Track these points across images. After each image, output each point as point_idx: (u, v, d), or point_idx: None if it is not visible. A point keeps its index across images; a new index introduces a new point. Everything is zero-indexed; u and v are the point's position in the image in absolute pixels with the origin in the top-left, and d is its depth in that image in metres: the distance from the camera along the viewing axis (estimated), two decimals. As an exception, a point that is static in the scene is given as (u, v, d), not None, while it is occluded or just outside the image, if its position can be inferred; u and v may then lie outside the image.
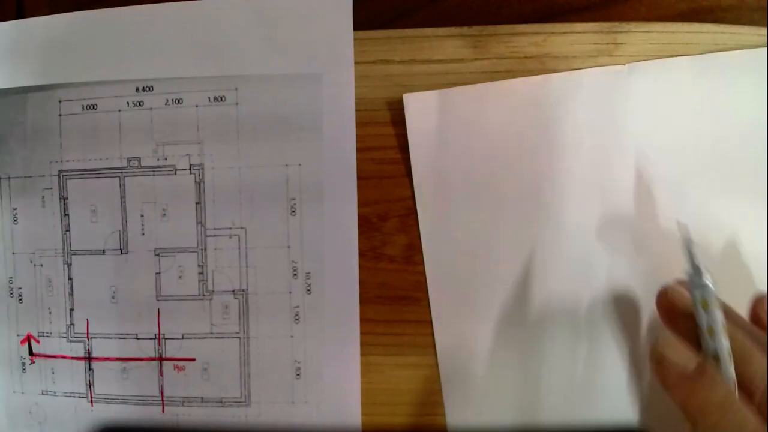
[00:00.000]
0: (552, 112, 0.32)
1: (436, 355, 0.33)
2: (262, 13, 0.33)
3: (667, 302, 0.28)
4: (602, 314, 0.33)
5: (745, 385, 0.25)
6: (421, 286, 0.34)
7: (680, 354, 0.27)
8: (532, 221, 0.33)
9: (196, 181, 0.34)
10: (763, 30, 0.32)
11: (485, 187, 0.33)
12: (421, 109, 0.33)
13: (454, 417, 0.33)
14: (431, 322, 0.34)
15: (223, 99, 0.33)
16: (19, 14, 0.38)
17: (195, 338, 0.34)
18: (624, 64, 0.32)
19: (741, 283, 0.32)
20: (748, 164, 0.32)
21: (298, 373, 0.33)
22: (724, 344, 0.25)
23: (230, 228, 0.34)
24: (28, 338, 0.36)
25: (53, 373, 0.35)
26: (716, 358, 0.25)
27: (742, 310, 0.29)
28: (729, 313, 0.27)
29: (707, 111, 0.32)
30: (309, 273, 0.33)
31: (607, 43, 0.33)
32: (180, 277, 0.34)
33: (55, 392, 0.35)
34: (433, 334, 0.33)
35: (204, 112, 0.33)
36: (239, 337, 0.34)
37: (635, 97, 0.32)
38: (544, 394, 0.33)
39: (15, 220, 0.35)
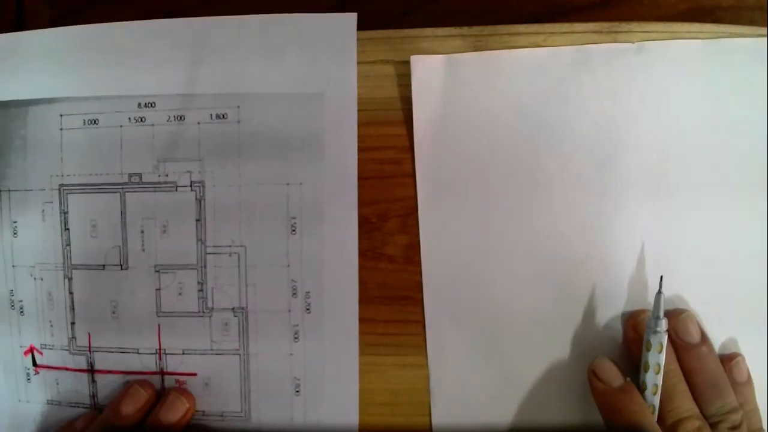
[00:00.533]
0: (558, 84, 0.32)
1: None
2: (267, 32, 0.32)
3: (633, 331, 0.32)
4: (597, 317, 0.33)
5: (661, 416, 0.30)
6: (421, 286, 0.34)
7: (610, 373, 0.31)
8: (534, 195, 0.33)
9: (196, 198, 0.34)
10: (763, 30, 0.32)
11: (488, 156, 0.33)
12: (428, 72, 0.33)
13: (441, 417, 0.34)
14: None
15: (225, 117, 0.33)
16: (19, 24, 0.37)
17: (196, 354, 0.34)
18: (633, 42, 0.32)
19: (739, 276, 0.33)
20: (751, 150, 0.32)
21: (297, 389, 0.34)
22: (657, 380, 0.30)
23: (230, 246, 0.34)
24: (31, 350, 0.36)
25: (57, 383, 0.36)
26: (647, 386, 0.30)
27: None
28: (675, 356, 0.31)
29: (713, 94, 0.32)
30: (309, 292, 0.33)
31: (607, 43, 0.33)
32: (180, 293, 0.34)
33: (60, 402, 0.36)
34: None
35: (206, 129, 0.33)
36: (239, 354, 0.34)
37: (641, 76, 0.32)
38: (536, 396, 0.33)
39: (15, 234, 0.35)
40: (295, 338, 0.34)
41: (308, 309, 0.33)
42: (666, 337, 0.30)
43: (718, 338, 0.33)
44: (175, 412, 0.33)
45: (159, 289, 0.34)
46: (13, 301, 0.36)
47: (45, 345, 0.36)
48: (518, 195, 0.33)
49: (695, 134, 0.32)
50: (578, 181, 0.32)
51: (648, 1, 0.35)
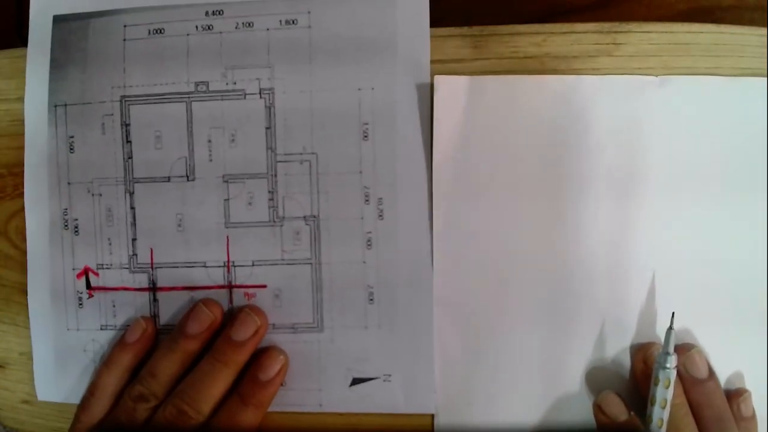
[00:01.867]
0: (580, 112, 0.33)
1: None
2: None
3: (642, 363, 0.32)
4: (606, 349, 0.33)
5: None
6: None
7: (616, 408, 0.32)
8: (549, 220, 0.33)
9: (266, 106, 0.33)
10: (763, 30, 0.33)
11: (505, 180, 0.33)
12: (451, 93, 0.33)
13: (445, 418, 0.34)
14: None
15: (294, 22, 0.33)
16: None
17: (266, 265, 0.33)
18: (656, 76, 0.33)
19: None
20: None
21: (371, 298, 0.33)
22: (664, 415, 0.30)
23: (301, 153, 0.33)
24: (86, 271, 0.34)
25: (114, 306, 0.34)
26: (653, 420, 0.30)
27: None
28: (681, 389, 0.32)
29: (734, 131, 0.33)
30: (381, 199, 0.33)
31: (607, 43, 0.33)
32: (250, 203, 0.33)
33: (115, 326, 0.34)
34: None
35: (275, 35, 0.33)
36: (311, 263, 0.33)
37: (663, 109, 0.32)
38: (539, 402, 0.33)
39: (72, 149, 0.34)
40: (368, 245, 0.33)
41: (381, 216, 0.33)
42: (675, 373, 0.30)
43: (724, 372, 0.34)
44: (246, 330, 0.32)
45: (228, 200, 0.34)
46: (67, 221, 0.34)
47: (102, 265, 0.34)
48: (534, 220, 0.33)
49: (715, 169, 0.33)
50: (595, 208, 0.33)
51: (648, 1, 0.35)
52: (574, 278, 0.33)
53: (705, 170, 0.33)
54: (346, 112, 0.33)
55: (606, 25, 0.33)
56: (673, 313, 0.31)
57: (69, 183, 0.34)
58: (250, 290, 0.34)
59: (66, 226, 0.34)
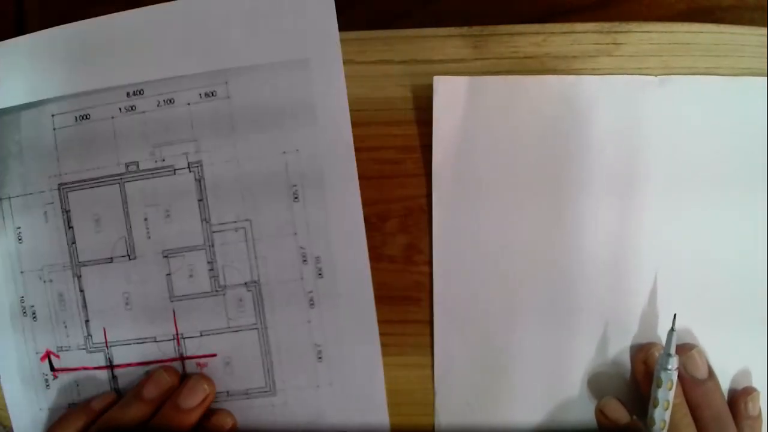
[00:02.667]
0: (579, 112, 0.32)
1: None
2: (244, 5, 0.33)
3: (642, 364, 0.32)
4: (608, 348, 0.33)
5: None
6: (421, 286, 0.34)
7: (617, 413, 0.32)
8: (549, 221, 0.33)
9: (196, 179, 0.34)
10: (763, 30, 0.32)
11: (505, 180, 0.33)
12: (450, 93, 0.33)
13: (446, 417, 0.34)
14: (431, 321, 0.34)
15: (214, 94, 0.34)
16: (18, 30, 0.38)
17: (213, 334, 0.34)
18: (656, 76, 0.32)
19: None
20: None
21: (319, 356, 0.34)
22: (666, 416, 0.30)
23: (235, 221, 0.34)
24: (48, 354, 0.36)
25: (77, 385, 0.35)
26: (656, 422, 0.30)
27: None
28: (681, 389, 0.32)
29: (734, 131, 0.32)
30: (318, 257, 0.33)
31: (607, 43, 0.33)
32: (191, 275, 0.34)
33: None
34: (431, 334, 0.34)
35: (197, 109, 0.34)
36: (257, 328, 0.34)
37: (663, 109, 0.32)
38: (540, 401, 0.33)
39: (20, 239, 0.35)
40: (311, 305, 0.34)
41: (320, 274, 0.33)
42: (676, 374, 0.30)
43: (727, 371, 0.33)
44: (194, 397, 0.33)
45: (170, 274, 0.34)
46: (24, 308, 0.36)
47: (61, 347, 0.35)
48: (534, 220, 0.33)
49: (715, 169, 0.32)
50: (596, 208, 0.33)
51: (648, 1, 0.35)
52: (575, 279, 0.33)
53: (705, 170, 0.32)
54: (274, 176, 0.33)
55: (606, 25, 0.33)
56: (675, 315, 0.31)
57: (21, 272, 0.36)
58: (201, 360, 0.34)
59: (24, 312, 0.36)
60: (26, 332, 0.36)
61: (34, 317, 0.36)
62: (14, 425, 0.37)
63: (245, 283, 0.34)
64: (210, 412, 0.34)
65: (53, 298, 0.35)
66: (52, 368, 0.36)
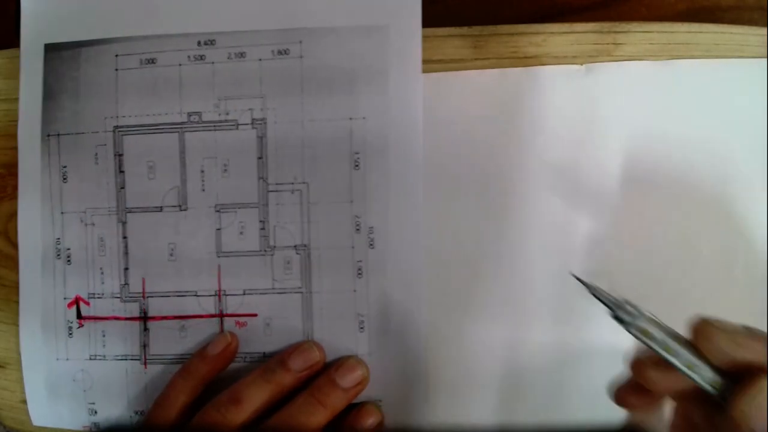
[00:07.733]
0: (506, 106, 0.33)
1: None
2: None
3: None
4: (586, 312, 0.33)
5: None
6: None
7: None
8: (500, 218, 0.33)
9: (258, 136, 0.33)
10: (763, 30, 0.33)
11: (445, 176, 0.33)
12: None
13: (439, 416, 0.34)
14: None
15: (287, 52, 0.33)
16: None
17: (257, 294, 0.33)
18: (581, 65, 0.33)
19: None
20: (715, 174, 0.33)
21: (362, 326, 0.33)
22: (683, 352, 0.23)
23: (292, 183, 0.33)
24: (77, 300, 0.34)
25: (104, 336, 0.34)
26: (690, 366, 0.23)
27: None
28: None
29: (669, 115, 0.33)
30: (372, 228, 0.33)
31: (607, 43, 0.33)
32: (241, 233, 0.34)
33: (104, 356, 0.34)
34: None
35: (267, 65, 0.33)
36: (301, 292, 0.33)
37: (590, 97, 0.33)
38: (530, 393, 0.33)
39: (65, 179, 0.34)
40: (359, 274, 0.33)
41: (371, 245, 0.33)
42: (650, 315, 0.25)
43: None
44: (352, 378, 0.32)
45: (219, 229, 0.34)
46: (59, 250, 0.34)
47: (93, 294, 0.34)
48: (484, 219, 0.33)
49: (715, 164, 0.33)
50: (539, 205, 0.33)
51: (648, 1, 0.35)
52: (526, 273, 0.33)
53: (704, 168, 0.32)
54: (337, 142, 0.33)
55: (606, 25, 0.33)
56: (575, 275, 0.26)
57: (62, 212, 0.34)
58: (241, 319, 0.34)
59: (58, 255, 0.34)
60: (57, 276, 0.35)
61: (68, 261, 0.34)
62: (25, 377, 0.36)
63: (295, 246, 0.33)
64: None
65: (93, 242, 0.34)
66: (79, 315, 0.34)
